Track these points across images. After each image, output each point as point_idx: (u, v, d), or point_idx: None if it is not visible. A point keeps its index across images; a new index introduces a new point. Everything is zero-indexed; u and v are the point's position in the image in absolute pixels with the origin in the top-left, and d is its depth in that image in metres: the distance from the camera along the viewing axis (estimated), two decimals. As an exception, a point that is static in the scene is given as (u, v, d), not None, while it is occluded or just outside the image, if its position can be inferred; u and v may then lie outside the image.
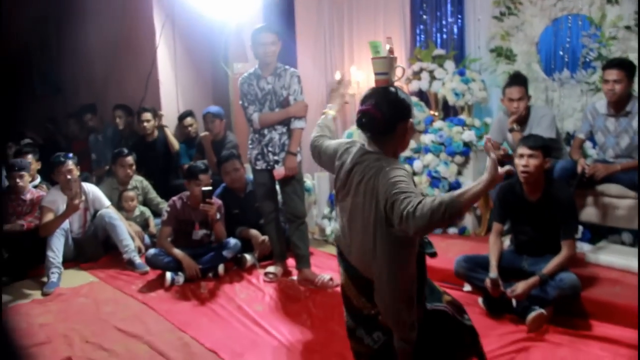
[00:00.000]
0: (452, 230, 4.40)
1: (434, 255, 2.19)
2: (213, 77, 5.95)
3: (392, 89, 2.08)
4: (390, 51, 2.58)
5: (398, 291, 1.98)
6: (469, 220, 4.36)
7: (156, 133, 5.46)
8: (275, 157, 3.80)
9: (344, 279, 2.18)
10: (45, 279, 4.02)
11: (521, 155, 3.07)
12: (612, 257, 3.50)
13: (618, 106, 3.51)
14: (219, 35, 5.53)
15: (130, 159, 4.84)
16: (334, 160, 2.20)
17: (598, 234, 3.89)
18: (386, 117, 1.96)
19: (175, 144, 5.44)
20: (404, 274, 1.98)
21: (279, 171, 3.78)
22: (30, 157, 4.95)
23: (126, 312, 3.50)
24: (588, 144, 4.01)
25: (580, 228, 3.86)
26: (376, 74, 2.65)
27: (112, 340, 3.07)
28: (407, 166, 2.01)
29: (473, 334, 2.28)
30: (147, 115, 5.39)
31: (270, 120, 3.76)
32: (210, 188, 3.97)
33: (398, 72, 2.67)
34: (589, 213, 3.73)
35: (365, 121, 1.99)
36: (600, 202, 3.67)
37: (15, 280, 4.15)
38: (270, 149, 3.80)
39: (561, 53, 4.24)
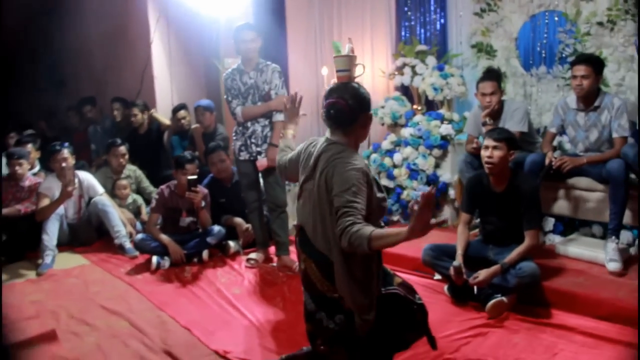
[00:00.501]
0: (432, 221, 4.52)
1: None
2: (206, 72, 6.14)
3: (354, 84, 2.26)
4: (351, 50, 2.73)
5: (354, 275, 2.12)
6: (447, 212, 4.49)
7: (146, 126, 5.67)
8: (258, 149, 3.97)
9: (308, 264, 2.28)
10: (40, 261, 4.24)
11: (486, 147, 3.20)
12: (580, 249, 3.61)
13: (587, 101, 3.61)
14: (211, 32, 5.70)
15: (122, 149, 5.04)
16: (299, 159, 2.36)
17: (570, 226, 4.01)
18: (351, 108, 2.14)
19: (166, 121, 5.72)
20: (357, 259, 2.11)
21: (262, 162, 3.95)
22: (29, 147, 5.19)
23: (112, 292, 3.70)
24: (565, 139, 4.11)
25: (552, 221, 3.98)
26: (338, 71, 2.80)
27: (95, 317, 3.28)
28: (364, 161, 2.14)
29: (423, 311, 2.39)
30: (135, 110, 5.65)
31: (253, 114, 3.92)
32: (195, 177, 4.15)
33: (359, 69, 2.81)
34: (561, 206, 3.84)
35: (333, 112, 2.17)
36: (571, 195, 3.77)
37: (13, 261, 4.40)
38: (253, 140, 3.97)
39: (539, 49, 4.34)
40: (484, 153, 3.20)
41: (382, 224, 2.32)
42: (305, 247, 2.28)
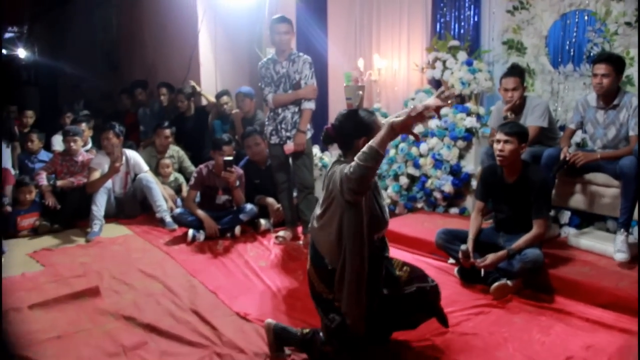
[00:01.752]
0: (454, 210, 4.71)
1: None
2: (249, 60, 6.46)
3: (353, 112, 2.50)
4: (354, 80, 2.89)
5: (349, 285, 2.31)
6: (469, 202, 4.65)
7: (192, 111, 6.05)
8: (287, 134, 4.25)
9: (309, 265, 2.54)
10: (89, 229, 4.68)
11: (498, 141, 3.36)
12: (591, 241, 3.73)
13: (607, 99, 3.70)
14: (255, 22, 6.01)
15: (167, 131, 5.43)
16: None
17: (586, 220, 4.11)
18: (343, 134, 2.42)
19: (211, 98, 6.10)
20: (354, 266, 2.30)
21: (289, 146, 4.24)
22: (84, 126, 5.66)
23: (151, 259, 4.08)
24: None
25: (568, 214, 4.10)
26: (346, 98, 3.01)
27: (134, 279, 3.65)
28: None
29: (436, 292, 2.58)
30: (181, 97, 6.04)
31: (283, 101, 4.21)
32: (231, 158, 4.47)
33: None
34: (577, 200, 3.95)
35: (323, 137, 2.51)
36: (588, 190, 3.88)
37: (66, 228, 4.86)
38: (283, 126, 4.26)
39: (567, 47, 4.43)
40: (496, 146, 3.36)
41: (375, 238, 2.44)
42: (310, 249, 2.53)
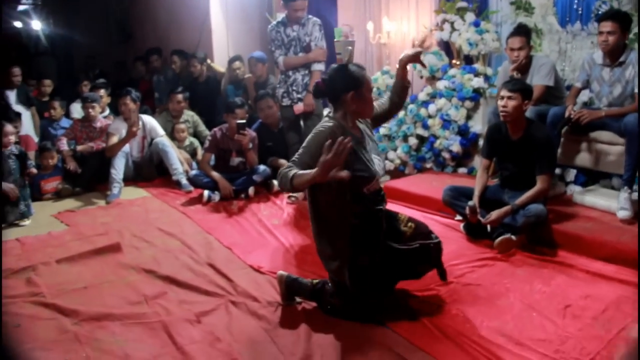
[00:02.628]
0: (462, 170, 4.80)
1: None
2: (260, 25, 6.51)
3: (342, 66, 2.58)
4: (345, 35, 2.94)
5: (321, 227, 2.52)
6: (477, 162, 4.74)
7: (205, 76, 6.16)
8: (298, 95, 4.36)
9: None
10: (108, 192, 4.87)
11: (502, 97, 3.43)
12: (596, 198, 3.80)
13: (613, 57, 3.72)
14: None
15: (180, 96, 5.57)
16: None
17: (592, 178, 4.19)
18: (331, 88, 2.52)
19: (220, 69, 6.27)
20: (322, 216, 2.49)
21: (298, 107, 4.35)
22: (102, 92, 5.81)
23: (168, 218, 4.26)
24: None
25: (574, 172, 4.18)
26: (336, 53, 3.07)
27: (153, 236, 3.83)
28: (326, 125, 2.50)
29: (438, 248, 2.69)
30: (194, 62, 6.20)
31: (293, 64, 4.30)
32: (244, 121, 4.59)
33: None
34: (583, 158, 4.01)
35: (314, 91, 2.63)
36: (593, 148, 3.93)
37: (87, 191, 5.07)
38: (294, 88, 4.36)
39: (575, 6, 4.43)
40: (500, 102, 3.43)
41: (366, 191, 2.52)
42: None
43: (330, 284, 2.65)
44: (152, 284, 3.06)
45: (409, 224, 2.69)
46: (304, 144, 2.43)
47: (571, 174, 4.16)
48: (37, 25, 10.70)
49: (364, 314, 2.57)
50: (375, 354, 2.31)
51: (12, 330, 2.58)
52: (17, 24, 11.13)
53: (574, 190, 4.04)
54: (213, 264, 3.28)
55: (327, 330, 2.50)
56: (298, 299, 2.77)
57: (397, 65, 2.78)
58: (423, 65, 2.81)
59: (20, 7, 11.77)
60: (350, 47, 2.78)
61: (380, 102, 2.84)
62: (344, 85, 2.48)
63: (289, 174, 2.24)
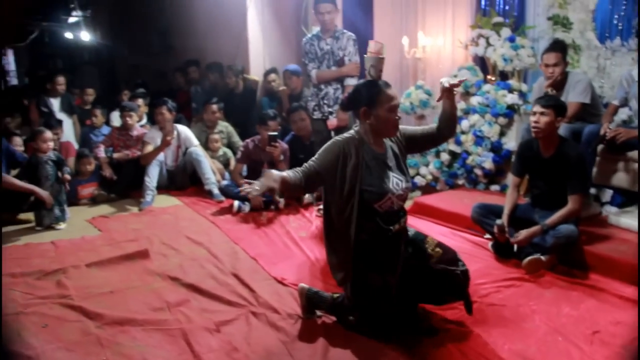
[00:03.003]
0: (494, 188, 4.72)
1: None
2: (296, 38, 6.58)
3: (367, 81, 2.61)
4: (375, 52, 2.90)
5: (329, 236, 2.57)
6: (510, 179, 4.63)
7: (241, 88, 6.25)
8: (330, 109, 4.37)
9: None
10: (142, 199, 4.98)
11: (534, 113, 3.36)
12: (632, 220, 3.67)
13: (654, 74, 3.62)
14: (301, 0, 6.12)
15: (214, 107, 5.67)
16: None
17: (630, 199, 4.05)
18: (351, 102, 2.55)
19: (255, 78, 6.37)
20: (334, 225, 2.52)
21: (332, 122, 4.36)
22: (140, 102, 5.96)
23: (197, 227, 4.33)
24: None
25: (610, 192, 4.05)
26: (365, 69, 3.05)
27: (181, 244, 3.90)
28: (344, 137, 2.56)
29: (465, 277, 2.60)
30: (230, 74, 6.29)
31: (326, 77, 4.33)
32: (276, 133, 4.63)
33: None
34: (619, 178, 3.89)
35: (340, 104, 2.69)
36: (630, 168, 3.81)
37: (121, 198, 5.20)
38: (325, 101, 4.38)
39: (616, 21, 4.32)
40: (532, 118, 3.36)
41: (378, 208, 2.48)
42: None
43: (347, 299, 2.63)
44: (176, 291, 3.11)
45: (437, 248, 2.61)
46: (319, 150, 2.52)
47: (607, 195, 4.04)
48: (85, 36, 11.12)
49: (377, 331, 2.53)
50: (391, 371, 2.29)
51: (39, 329, 2.66)
52: (68, 35, 11.60)
53: (610, 211, 3.92)
54: (237, 274, 3.31)
55: (344, 346, 2.48)
56: (319, 313, 2.76)
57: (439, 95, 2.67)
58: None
59: (71, 19, 12.27)
60: (373, 65, 2.75)
61: (424, 128, 2.75)
62: (359, 101, 2.49)
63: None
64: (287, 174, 2.37)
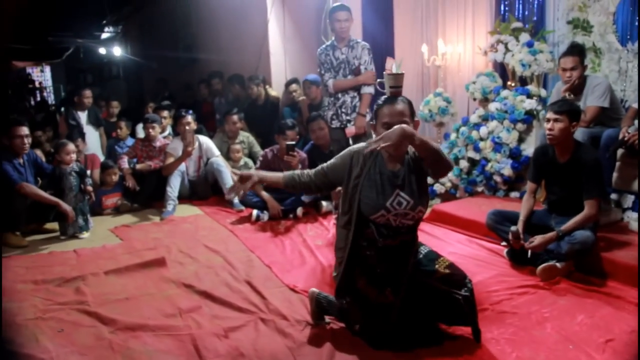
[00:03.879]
0: (514, 195, 4.65)
1: None
2: (317, 48, 6.63)
3: (386, 97, 2.60)
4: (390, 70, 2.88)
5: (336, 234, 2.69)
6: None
7: (263, 98, 6.33)
8: (347, 117, 4.41)
9: None
10: (164, 209, 5.08)
11: (548, 120, 3.31)
12: (654, 226, 3.59)
13: (674, 76, 3.53)
14: (321, 11, 6.18)
15: (235, 117, 5.75)
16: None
17: (653, 205, 3.94)
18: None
19: (274, 92, 6.47)
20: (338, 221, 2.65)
21: (350, 129, 4.39)
22: (165, 113, 6.10)
23: (216, 236, 4.39)
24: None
25: (632, 198, 3.94)
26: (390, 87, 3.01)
27: (198, 253, 3.96)
28: (359, 146, 2.60)
29: (469, 303, 2.47)
30: (252, 85, 6.37)
31: (343, 86, 4.37)
32: (294, 142, 4.67)
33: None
34: (641, 183, 3.80)
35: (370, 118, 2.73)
36: (652, 173, 3.73)
37: (144, 208, 5.33)
38: (343, 110, 4.42)
39: (638, 23, 4.22)
40: (546, 125, 3.31)
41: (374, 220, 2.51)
42: None
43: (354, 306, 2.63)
44: (189, 298, 3.16)
45: (446, 269, 2.54)
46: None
47: (629, 200, 3.93)
48: (117, 51, 11.45)
49: (377, 342, 2.50)
50: (394, 378, 2.28)
51: (55, 334, 2.74)
52: (101, 51, 11.97)
53: (631, 217, 3.82)
54: (250, 282, 3.34)
55: (350, 352, 2.48)
56: (327, 319, 2.77)
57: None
58: None
59: (104, 35, 12.67)
60: (391, 84, 2.77)
61: None
62: (373, 115, 2.61)
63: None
64: (284, 173, 2.71)
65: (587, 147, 3.42)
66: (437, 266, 2.55)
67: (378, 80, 3.17)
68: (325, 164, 2.69)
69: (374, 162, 2.53)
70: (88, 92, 6.27)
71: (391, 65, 2.87)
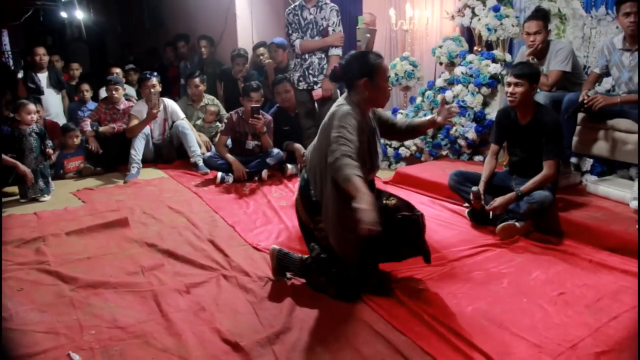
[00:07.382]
0: (478, 158, 4.72)
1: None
2: (284, 11, 6.53)
3: (359, 53, 2.63)
4: (366, 24, 2.91)
5: (337, 215, 2.46)
6: (492, 149, 4.65)
7: (246, 72, 6.21)
8: (315, 79, 4.38)
9: (297, 195, 2.75)
10: (127, 172, 5.00)
11: (509, 84, 3.35)
12: (610, 188, 3.69)
13: (633, 40, 3.57)
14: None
15: (197, 80, 5.68)
16: None
17: (610, 168, 4.05)
18: (346, 73, 2.54)
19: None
20: (340, 202, 2.42)
21: (317, 92, 4.36)
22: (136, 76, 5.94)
23: (180, 198, 4.36)
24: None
25: (590, 161, 4.05)
26: (356, 40, 3.06)
27: (162, 214, 3.93)
28: (346, 109, 2.44)
29: (417, 227, 2.61)
30: (238, 61, 6.15)
31: (310, 47, 4.32)
32: (258, 105, 4.63)
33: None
34: (600, 147, 3.87)
35: (331, 75, 2.67)
36: (610, 137, 3.79)
37: (108, 171, 5.24)
38: (310, 71, 4.38)
39: (601, -10, 4.28)
40: (507, 89, 3.35)
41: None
42: (301, 179, 2.72)
43: (318, 261, 2.66)
44: (151, 257, 3.14)
45: (391, 197, 2.70)
46: (338, 126, 2.36)
47: (587, 164, 4.04)
48: (79, 15, 11.05)
49: (346, 292, 2.56)
50: (353, 330, 2.32)
51: (14, 293, 2.70)
52: (62, 14, 11.54)
53: (589, 180, 3.92)
54: (213, 240, 3.34)
55: (310, 306, 2.51)
56: (289, 275, 2.79)
57: (427, 118, 2.96)
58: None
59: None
60: (368, 35, 2.75)
61: (396, 119, 2.90)
62: (359, 72, 2.50)
63: (340, 173, 2.23)
64: (360, 183, 2.17)
65: (548, 109, 3.47)
66: (385, 201, 2.65)
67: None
68: (352, 147, 2.30)
69: (365, 123, 2.56)
70: (41, 49, 5.94)
71: (372, 20, 2.90)
